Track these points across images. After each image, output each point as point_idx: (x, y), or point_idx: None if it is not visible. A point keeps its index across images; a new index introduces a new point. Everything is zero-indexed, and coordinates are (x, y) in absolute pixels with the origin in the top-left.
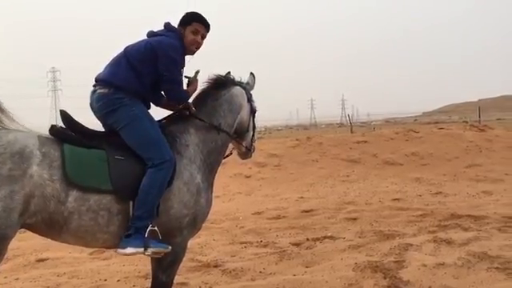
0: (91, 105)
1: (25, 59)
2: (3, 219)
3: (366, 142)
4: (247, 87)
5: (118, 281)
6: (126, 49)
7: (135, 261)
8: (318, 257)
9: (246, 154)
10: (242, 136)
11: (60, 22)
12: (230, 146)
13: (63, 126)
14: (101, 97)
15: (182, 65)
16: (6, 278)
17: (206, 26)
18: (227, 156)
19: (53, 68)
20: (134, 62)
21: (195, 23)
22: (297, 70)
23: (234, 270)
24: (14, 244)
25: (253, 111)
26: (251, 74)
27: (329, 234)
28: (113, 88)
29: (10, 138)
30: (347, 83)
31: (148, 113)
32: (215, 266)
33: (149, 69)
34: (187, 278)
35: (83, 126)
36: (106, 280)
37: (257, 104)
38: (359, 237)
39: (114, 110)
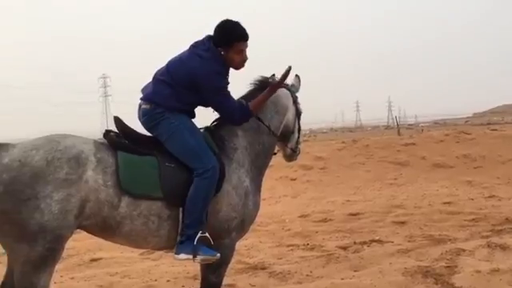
0: (139, 119)
1: (76, 67)
2: (60, 220)
3: (414, 144)
4: (292, 89)
5: (168, 281)
6: (168, 66)
7: (184, 262)
8: (365, 261)
9: (292, 156)
10: (287, 138)
11: (109, 30)
12: (276, 148)
13: (117, 132)
14: (144, 112)
15: (227, 83)
16: (61, 276)
17: (247, 39)
18: (274, 154)
19: (103, 74)
20: (173, 83)
21: (236, 43)
22: (341, 72)
23: (281, 273)
24: (68, 244)
25: (298, 113)
26: (296, 76)
27: (377, 238)
28: (153, 104)
29: (67, 143)
30: (394, 84)
31: (189, 123)
32: (262, 269)
33: (189, 92)
34: (235, 279)
35: (136, 132)
36: (156, 280)
37: (302, 106)
38: (408, 241)
39: (156, 124)
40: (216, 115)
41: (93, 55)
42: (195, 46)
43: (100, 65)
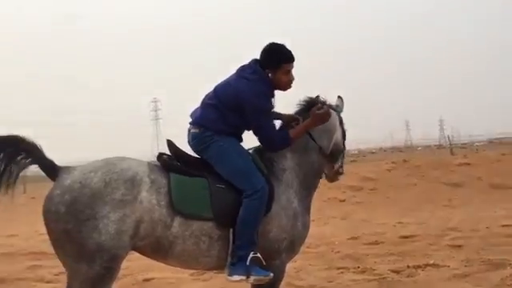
0: (188, 142)
1: (127, 91)
2: (116, 240)
3: (468, 164)
4: (338, 109)
5: None
6: (216, 90)
7: (235, 283)
8: (420, 285)
9: (335, 176)
10: (335, 158)
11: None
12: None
13: (169, 154)
14: (194, 136)
15: (272, 107)
16: None
17: (294, 60)
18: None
19: (154, 98)
20: (220, 106)
21: (284, 64)
22: (390, 89)
23: None
24: (123, 264)
25: (343, 134)
26: (339, 97)
27: (431, 262)
28: (202, 128)
29: (123, 165)
30: (446, 102)
31: (237, 145)
32: None
33: (235, 114)
34: None
35: (187, 154)
36: None
37: (347, 127)
38: (465, 265)
39: (206, 147)
40: None
41: (143, 78)
42: (242, 70)
43: (151, 88)
